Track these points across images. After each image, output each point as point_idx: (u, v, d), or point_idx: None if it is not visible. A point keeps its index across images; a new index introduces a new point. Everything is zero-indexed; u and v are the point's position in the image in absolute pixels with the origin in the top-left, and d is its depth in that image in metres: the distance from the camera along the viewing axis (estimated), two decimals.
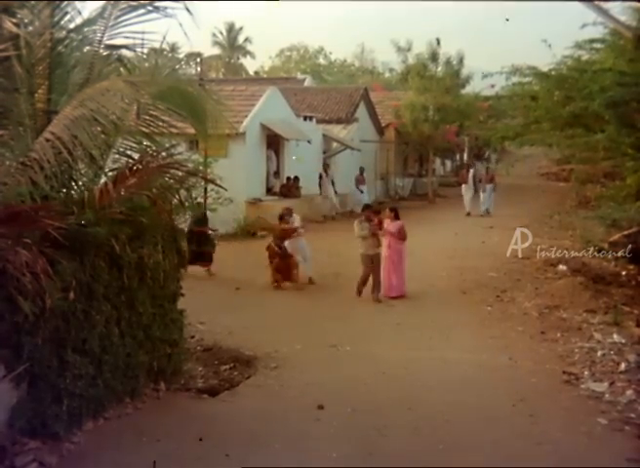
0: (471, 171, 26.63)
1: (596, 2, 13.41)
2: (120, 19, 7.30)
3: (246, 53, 63.39)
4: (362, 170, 25.76)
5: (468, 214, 24.26)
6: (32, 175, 5.54)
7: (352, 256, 12.77)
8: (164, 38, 7.45)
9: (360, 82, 44.19)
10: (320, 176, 23.43)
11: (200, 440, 6.28)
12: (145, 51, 8.14)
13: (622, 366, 8.58)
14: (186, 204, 8.00)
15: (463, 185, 25.60)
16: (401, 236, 12.11)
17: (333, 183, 23.75)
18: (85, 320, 6.22)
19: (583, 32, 15.69)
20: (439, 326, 10.40)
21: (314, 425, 6.80)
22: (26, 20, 6.98)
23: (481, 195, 24.82)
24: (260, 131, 19.41)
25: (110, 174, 7.05)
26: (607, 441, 6.59)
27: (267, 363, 8.57)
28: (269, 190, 20.40)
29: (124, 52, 7.81)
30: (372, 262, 11.78)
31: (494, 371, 8.45)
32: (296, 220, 13.28)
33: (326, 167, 23.89)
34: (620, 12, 13.78)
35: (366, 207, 12.87)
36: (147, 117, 7.30)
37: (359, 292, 11.96)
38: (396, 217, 12.36)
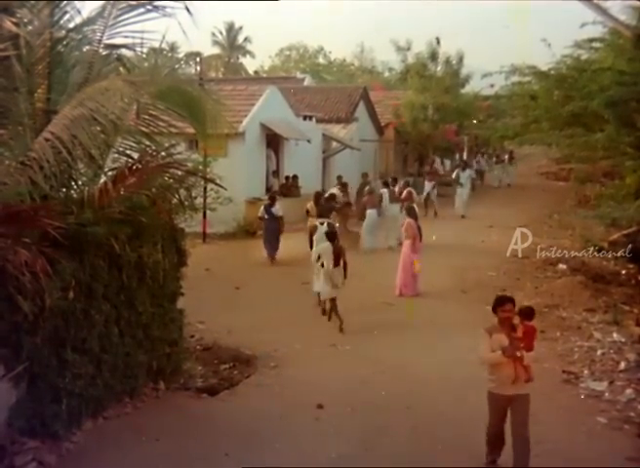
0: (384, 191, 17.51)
1: (595, 1, 13.43)
2: (119, 19, 7.31)
3: (245, 52, 63.27)
4: (365, 175, 21.03)
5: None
6: (32, 175, 5.54)
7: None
8: (163, 38, 7.47)
9: (359, 81, 44.08)
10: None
11: None
12: (145, 50, 8.15)
13: (622, 365, 8.59)
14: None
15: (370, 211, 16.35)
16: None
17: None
18: (84, 319, 6.23)
19: (583, 31, 15.75)
20: (439, 325, 10.39)
21: (314, 424, 6.80)
22: (26, 20, 7.00)
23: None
24: (259, 130, 19.40)
25: (110, 173, 7.05)
26: (606, 440, 6.60)
27: (267, 362, 8.57)
28: (269, 189, 20.39)
29: (123, 51, 7.83)
30: (505, 410, 5.95)
31: None
32: None
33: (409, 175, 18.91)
34: (619, 11, 13.81)
35: (502, 300, 6.01)
36: (147, 117, 7.30)
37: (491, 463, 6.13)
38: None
